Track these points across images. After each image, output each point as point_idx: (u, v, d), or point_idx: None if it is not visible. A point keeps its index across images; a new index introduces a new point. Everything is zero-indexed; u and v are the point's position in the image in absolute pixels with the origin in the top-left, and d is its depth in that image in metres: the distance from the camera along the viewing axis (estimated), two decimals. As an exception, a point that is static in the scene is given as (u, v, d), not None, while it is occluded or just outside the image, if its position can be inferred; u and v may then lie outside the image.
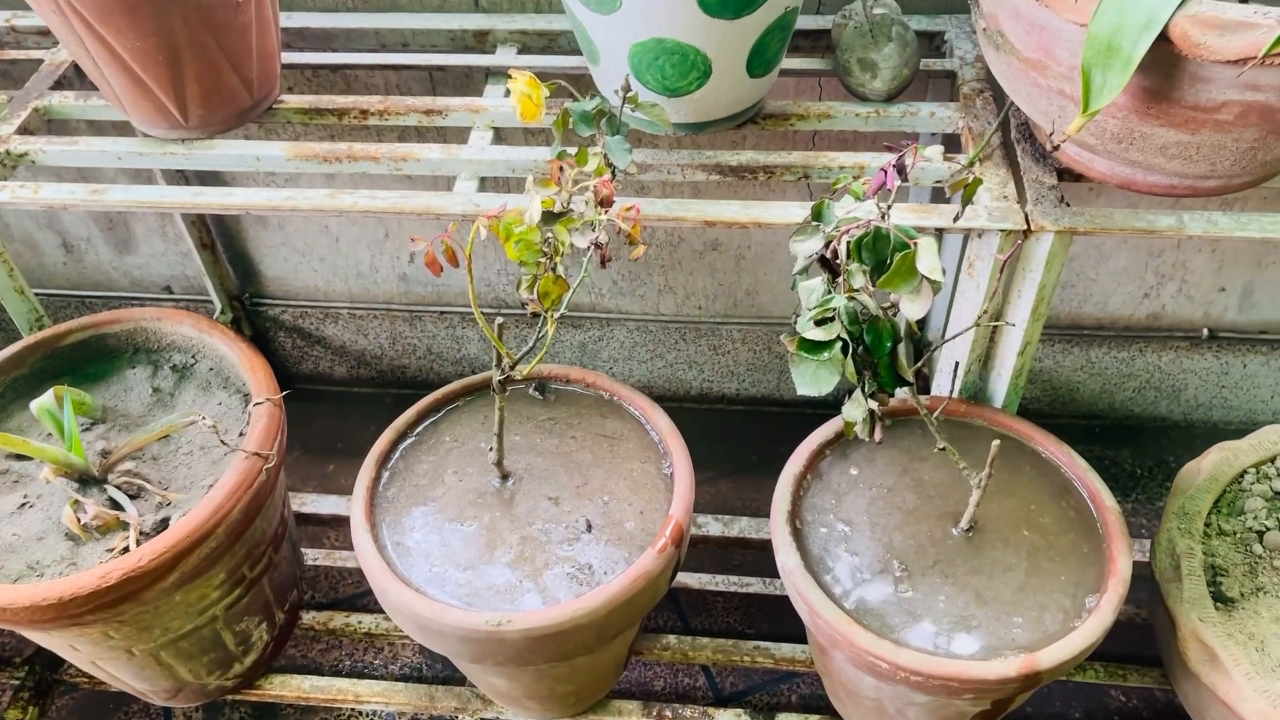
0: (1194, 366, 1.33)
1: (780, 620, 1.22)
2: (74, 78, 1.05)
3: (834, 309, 0.69)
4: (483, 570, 0.87)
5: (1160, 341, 1.31)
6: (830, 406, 1.25)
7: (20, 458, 0.94)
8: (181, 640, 0.93)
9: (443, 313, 1.41)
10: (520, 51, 1.05)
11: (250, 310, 1.43)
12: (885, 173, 0.69)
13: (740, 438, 1.45)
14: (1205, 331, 1.29)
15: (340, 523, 1.26)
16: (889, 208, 0.69)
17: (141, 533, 0.87)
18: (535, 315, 0.76)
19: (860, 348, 0.71)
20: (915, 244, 0.66)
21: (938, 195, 1.05)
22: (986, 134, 0.89)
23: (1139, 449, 1.39)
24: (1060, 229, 0.81)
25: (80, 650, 0.91)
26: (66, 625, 0.84)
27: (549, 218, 0.71)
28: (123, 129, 1.00)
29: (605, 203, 0.72)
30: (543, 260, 0.72)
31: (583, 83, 1.01)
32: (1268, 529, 0.91)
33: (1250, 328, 1.28)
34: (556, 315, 0.76)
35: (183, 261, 1.40)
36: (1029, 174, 0.86)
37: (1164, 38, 0.65)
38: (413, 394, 1.01)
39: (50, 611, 0.81)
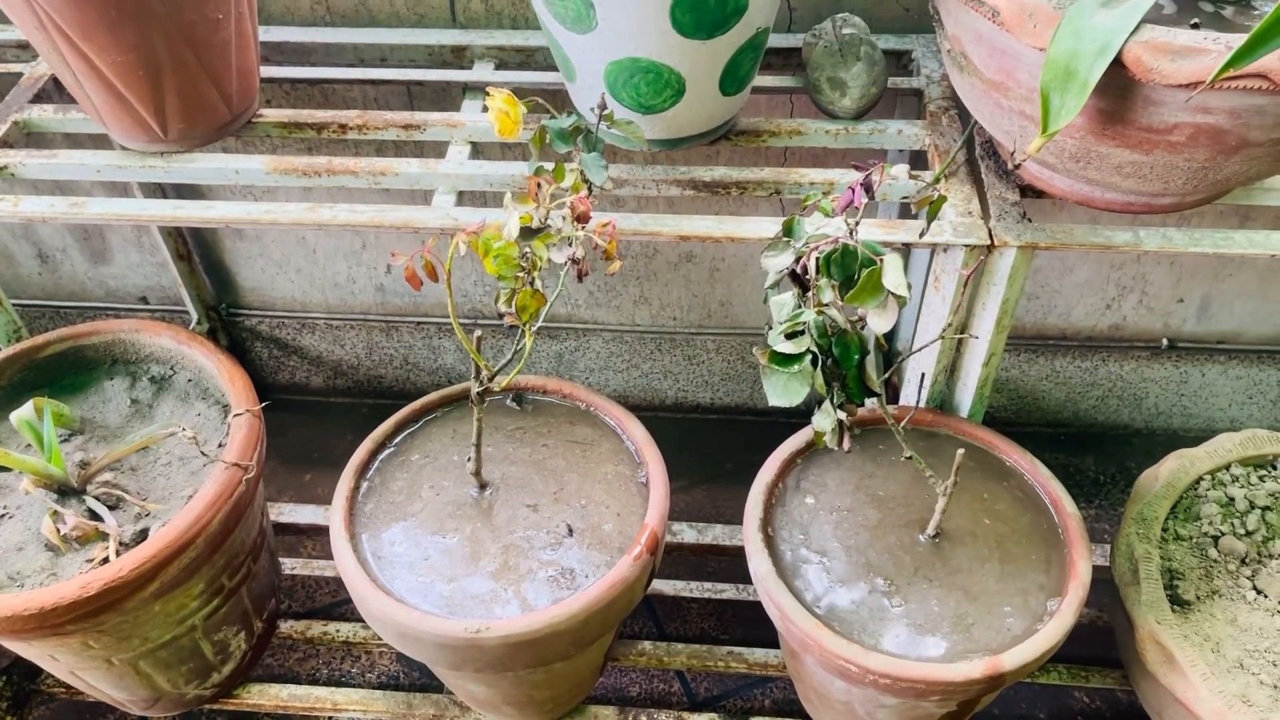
0: (1154, 376, 1.36)
1: (753, 626, 1.24)
2: (53, 91, 1.05)
3: (804, 323, 0.71)
4: (467, 581, 0.88)
5: (1122, 351, 1.34)
6: (802, 415, 1.27)
7: (-1, 469, 0.94)
8: (160, 650, 0.94)
9: (419, 323, 1.42)
10: (497, 67, 1.07)
11: (227, 320, 1.44)
12: (853, 191, 0.71)
13: (715, 446, 1.47)
14: (1165, 342, 1.32)
15: (317, 532, 1.27)
16: (856, 224, 0.72)
17: (121, 543, 0.88)
18: (513, 327, 0.78)
19: (829, 360, 0.73)
20: (881, 260, 0.68)
21: (905, 211, 1.08)
22: (952, 151, 0.92)
23: (1102, 456, 1.43)
24: (1022, 244, 0.84)
25: (59, 660, 0.91)
26: (47, 635, 0.84)
27: (527, 233, 0.73)
28: (100, 142, 1.00)
29: (582, 219, 0.74)
30: (521, 275, 0.74)
31: (558, 98, 1.03)
32: (1222, 534, 0.94)
33: (1208, 338, 1.32)
34: (534, 328, 0.78)
35: (159, 272, 1.40)
36: (993, 190, 0.88)
37: (1118, 62, 0.68)
38: (389, 404, 1.02)
39: (31, 622, 0.82)
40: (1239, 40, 0.64)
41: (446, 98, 1.13)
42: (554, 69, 1.05)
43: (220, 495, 0.89)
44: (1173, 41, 0.67)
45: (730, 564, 1.28)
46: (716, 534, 1.22)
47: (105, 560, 0.86)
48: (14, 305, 1.09)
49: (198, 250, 1.35)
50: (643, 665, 1.13)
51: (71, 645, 0.88)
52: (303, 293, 1.41)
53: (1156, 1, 0.69)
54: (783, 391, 0.73)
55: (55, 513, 0.89)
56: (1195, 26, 0.70)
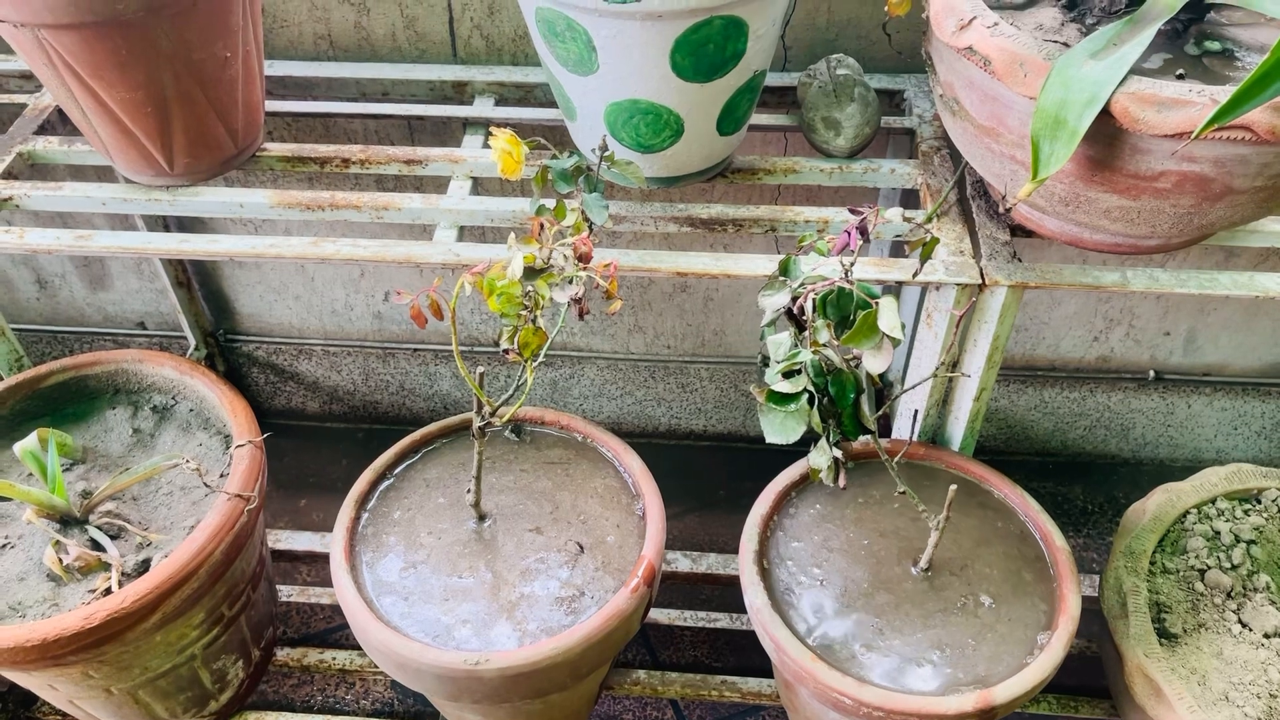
0: (1141, 406, 1.39)
1: (746, 654, 1.25)
2: (57, 122, 1.06)
3: (801, 363, 0.73)
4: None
5: (1109, 383, 1.36)
6: (795, 444, 1.29)
7: (1, 498, 0.95)
8: (160, 679, 0.94)
9: (416, 350, 1.43)
10: (498, 102, 1.09)
11: (224, 346, 1.45)
12: (849, 234, 0.73)
13: (707, 473, 1.48)
14: (1152, 373, 1.35)
15: (314, 558, 1.27)
16: (851, 266, 0.73)
17: (123, 573, 0.88)
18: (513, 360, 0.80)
19: (825, 399, 0.74)
20: (877, 303, 0.70)
21: (897, 249, 1.09)
22: (944, 191, 0.94)
23: (1090, 485, 1.45)
24: (1013, 283, 0.86)
25: (58, 689, 0.92)
26: (48, 665, 0.85)
27: (530, 273, 0.74)
28: (104, 174, 1.02)
29: (584, 258, 0.75)
30: (524, 313, 0.75)
31: (556, 133, 1.05)
32: (1209, 567, 0.95)
33: (1194, 370, 1.34)
34: (535, 364, 0.79)
35: (157, 298, 1.41)
36: (984, 230, 0.90)
37: (1106, 112, 0.70)
38: (384, 429, 1.03)
39: (33, 652, 0.82)
40: (1223, 93, 0.66)
41: (447, 132, 1.15)
42: (553, 105, 1.06)
43: (222, 526, 0.90)
44: (1159, 93, 0.69)
45: (723, 592, 1.29)
46: (710, 563, 1.23)
47: (108, 591, 0.87)
48: (12, 330, 1.09)
49: (197, 277, 1.36)
50: (637, 694, 1.14)
51: (72, 675, 0.88)
52: (300, 319, 1.42)
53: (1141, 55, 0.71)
54: (779, 429, 0.74)
55: (58, 543, 0.89)
56: (1181, 78, 0.72)
